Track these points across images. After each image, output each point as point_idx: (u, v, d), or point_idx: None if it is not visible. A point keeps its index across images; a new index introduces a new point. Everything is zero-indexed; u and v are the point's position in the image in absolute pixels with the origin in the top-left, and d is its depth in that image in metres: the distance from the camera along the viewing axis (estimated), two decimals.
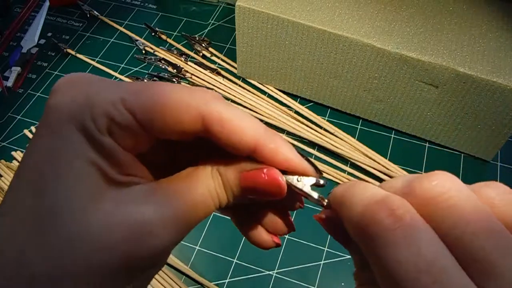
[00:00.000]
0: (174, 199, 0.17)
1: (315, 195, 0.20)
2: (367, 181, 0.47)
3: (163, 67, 0.58)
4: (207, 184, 0.18)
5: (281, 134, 0.51)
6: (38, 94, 0.56)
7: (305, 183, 0.19)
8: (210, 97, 0.17)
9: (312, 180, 0.19)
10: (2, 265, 0.15)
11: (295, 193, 0.19)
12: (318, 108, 0.54)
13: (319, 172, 0.19)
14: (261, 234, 0.22)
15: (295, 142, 0.50)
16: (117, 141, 0.17)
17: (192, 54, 0.59)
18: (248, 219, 0.22)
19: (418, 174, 0.16)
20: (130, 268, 0.16)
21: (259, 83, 0.56)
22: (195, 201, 0.18)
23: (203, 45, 0.60)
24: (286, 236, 0.43)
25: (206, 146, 0.19)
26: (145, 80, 0.56)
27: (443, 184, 0.15)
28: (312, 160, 0.19)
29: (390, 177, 0.47)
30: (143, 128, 0.17)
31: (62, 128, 0.16)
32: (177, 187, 0.18)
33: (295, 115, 0.53)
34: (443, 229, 0.14)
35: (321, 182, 0.19)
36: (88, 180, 0.16)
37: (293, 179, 0.19)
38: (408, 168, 0.48)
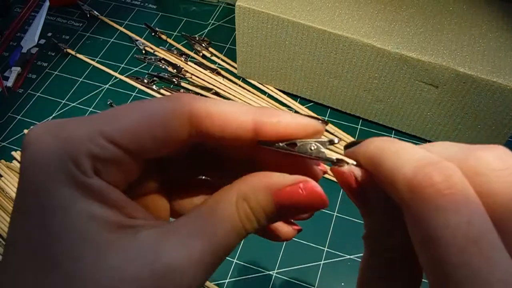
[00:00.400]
0: (192, 242, 0.15)
1: (335, 157, 0.18)
2: None
3: (163, 67, 0.58)
4: (231, 218, 0.16)
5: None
6: (38, 94, 0.56)
7: (320, 148, 0.18)
8: (192, 97, 0.16)
9: (325, 141, 0.18)
10: None
11: (311, 163, 0.18)
12: (318, 108, 0.54)
13: (325, 123, 0.18)
14: (279, 227, 0.20)
15: None
16: (107, 179, 0.15)
17: (192, 54, 0.59)
18: None
19: (473, 145, 0.15)
20: None
21: (259, 83, 0.56)
22: (217, 240, 0.16)
23: (203, 45, 0.60)
24: None
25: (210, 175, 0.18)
26: (145, 80, 0.56)
27: (503, 159, 0.14)
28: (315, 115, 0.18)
29: None
30: (131, 155, 0.16)
31: (46, 185, 0.14)
32: (193, 227, 0.16)
33: None
34: (495, 207, 0.14)
35: (336, 140, 0.18)
36: (87, 234, 0.14)
37: (307, 148, 0.17)
38: None
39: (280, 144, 0.17)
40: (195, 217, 0.16)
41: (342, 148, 0.19)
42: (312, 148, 0.18)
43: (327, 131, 0.51)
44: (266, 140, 0.17)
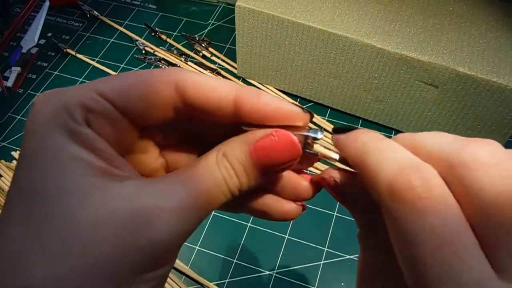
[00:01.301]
0: (173, 189, 0.16)
1: (332, 154, 0.19)
2: None
3: (163, 67, 0.58)
4: (211, 171, 0.17)
5: None
6: (38, 94, 0.56)
7: (303, 142, 0.18)
8: (180, 68, 0.18)
9: (309, 135, 0.18)
10: None
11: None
12: (318, 108, 0.54)
13: (309, 113, 0.18)
14: (282, 206, 0.20)
15: None
16: (98, 131, 0.16)
17: (192, 54, 0.59)
18: (259, 197, 0.20)
19: (468, 138, 0.16)
20: (127, 265, 0.15)
21: (259, 83, 0.56)
22: (198, 190, 0.16)
23: (203, 45, 0.60)
24: (286, 236, 0.43)
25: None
26: None
27: (495, 154, 0.14)
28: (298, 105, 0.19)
29: None
30: (121, 112, 0.17)
31: (42, 130, 0.15)
32: (176, 178, 0.16)
33: None
34: (482, 202, 0.14)
35: (319, 136, 0.18)
36: (73, 176, 0.15)
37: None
38: None
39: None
40: (179, 172, 0.17)
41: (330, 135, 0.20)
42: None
43: (326, 131, 0.51)
44: (248, 124, 0.18)
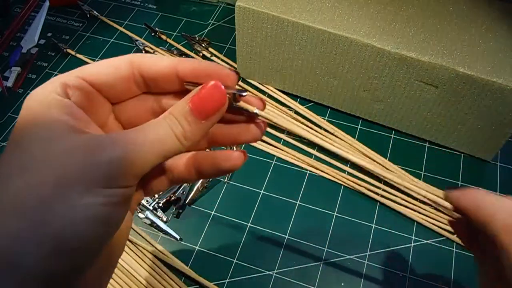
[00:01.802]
0: (130, 133, 0.20)
1: (254, 109, 0.23)
2: (367, 181, 0.47)
3: None
4: (160, 122, 0.21)
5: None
6: None
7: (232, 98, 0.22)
8: (135, 53, 0.23)
9: (235, 92, 0.22)
10: None
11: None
12: (318, 108, 0.54)
13: (237, 74, 0.23)
14: (230, 155, 0.24)
15: (295, 142, 0.50)
16: (77, 104, 0.21)
17: (192, 54, 0.59)
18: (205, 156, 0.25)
19: None
20: (86, 177, 0.18)
21: (259, 83, 0.56)
22: (149, 135, 0.20)
23: (203, 45, 0.60)
24: (286, 236, 0.43)
25: None
26: None
27: None
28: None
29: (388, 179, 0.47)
30: (95, 88, 0.22)
31: (32, 103, 0.20)
32: (135, 128, 0.20)
33: (295, 115, 0.53)
34: None
35: (244, 94, 0.22)
36: (51, 127, 0.19)
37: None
38: (408, 168, 0.48)
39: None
40: (137, 126, 0.21)
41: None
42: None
43: (326, 131, 0.51)
44: (189, 82, 0.22)
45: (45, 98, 0.20)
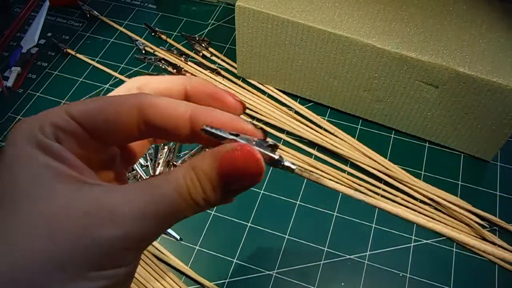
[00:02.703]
0: (133, 195, 0.17)
1: (274, 154, 0.19)
2: (367, 182, 0.47)
3: (163, 67, 0.58)
4: (176, 180, 0.17)
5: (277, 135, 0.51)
6: (38, 94, 0.56)
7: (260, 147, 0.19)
8: (142, 93, 0.19)
9: (264, 144, 0.19)
10: None
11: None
12: (318, 108, 0.54)
13: (264, 134, 0.20)
14: None
15: (295, 142, 0.50)
16: (67, 147, 0.18)
17: (192, 54, 0.59)
18: None
19: None
20: (78, 258, 0.15)
21: (259, 83, 0.56)
22: (158, 197, 0.17)
23: (203, 45, 0.60)
24: (286, 236, 0.43)
25: None
26: None
27: None
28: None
29: (391, 177, 0.47)
30: (89, 134, 0.18)
31: (17, 144, 0.17)
32: (139, 185, 0.17)
33: (295, 115, 0.53)
34: None
35: (274, 145, 0.19)
36: (41, 179, 0.16)
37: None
38: (408, 168, 0.48)
39: (223, 134, 0.19)
40: (146, 180, 0.18)
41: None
42: (253, 143, 0.19)
43: (326, 130, 0.51)
44: (208, 130, 0.19)
45: (31, 140, 0.17)
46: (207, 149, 0.19)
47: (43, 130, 0.17)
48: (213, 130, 0.19)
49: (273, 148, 0.19)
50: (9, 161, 0.17)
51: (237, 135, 0.19)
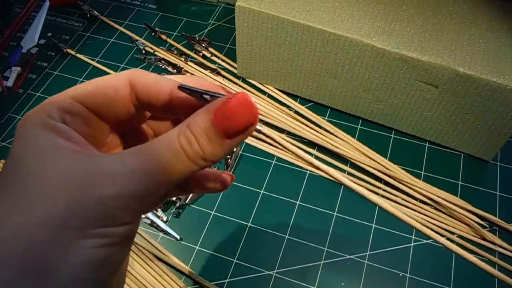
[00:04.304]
0: (127, 157, 0.17)
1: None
2: (367, 182, 0.47)
3: (163, 67, 0.58)
4: (169, 140, 0.18)
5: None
6: (38, 94, 0.56)
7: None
8: (134, 70, 0.21)
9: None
10: None
11: None
12: (318, 108, 0.54)
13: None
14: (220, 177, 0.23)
15: (295, 142, 0.50)
16: (74, 128, 0.19)
17: (192, 54, 0.59)
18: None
19: None
20: (79, 218, 0.16)
21: (259, 83, 0.56)
22: (150, 157, 0.17)
23: (203, 45, 0.60)
24: (286, 236, 0.43)
25: None
26: None
27: None
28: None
29: (391, 177, 0.47)
30: (92, 111, 0.20)
31: (26, 128, 0.18)
32: (135, 148, 0.18)
33: (295, 115, 0.53)
34: None
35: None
36: (44, 150, 0.17)
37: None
38: (408, 168, 0.48)
39: (196, 89, 0.20)
40: (142, 144, 0.18)
41: None
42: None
43: (326, 130, 0.51)
44: (184, 86, 0.20)
45: (39, 124, 0.18)
46: None
47: (49, 114, 0.18)
48: (188, 86, 0.20)
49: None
50: (19, 141, 0.18)
51: (212, 94, 0.19)
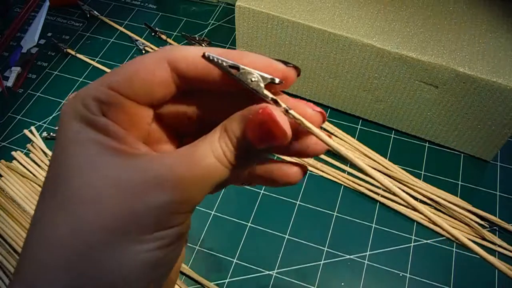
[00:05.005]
0: (175, 160, 0.17)
1: (270, 96, 0.19)
2: (367, 181, 0.47)
3: None
4: (213, 144, 0.18)
5: None
6: (38, 94, 0.56)
7: (260, 82, 0.18)
8: (172, 46, 0.19)
9: (267, 77, 0.18)
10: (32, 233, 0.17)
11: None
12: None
13: (296, 69, 0.19)
14: (286, 170, 0.21)
15: None
16: (114, 120, 0.18)
17: None
18: (263, 165, 0.21)
19: None
20: (133, 224, 0.16)
21: None
22: (197, 161, 0.18)
23: (203, 45, 0.60)
24: (286, 236, 0.43)
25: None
26: None
27: None
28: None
29: (391, 177, 0.47)
30: (130, 99, 0.19)
31: (65, 125, 0.18)
32: (181, 151, 0.18)
33: None
34: None
35: (276, 81, 0.18)
36: (90, 153, 0.17)
37: (247, 78, 0.18)
38: (408, 168, 0.48)
39: (224, 63, 0.18)
40: (186, 146, 0.18)
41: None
42: (253, 79, 0.18)
43: (326, 130, 0.51)
44: (208, 56, 0.19)
45: (77, 118, 0.18)
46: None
47: (87, 106, 0.18)
48: (212, 56, 0.18)
49: (273, 83, 0.18)
50: (60, 139, 0.18)
51: (237, 68, 0.18)
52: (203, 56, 0.18)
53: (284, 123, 0.17)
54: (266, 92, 0.19)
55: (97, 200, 0.16)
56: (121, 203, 0.16)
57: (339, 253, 0.43)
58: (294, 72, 0.19)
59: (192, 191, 0.18)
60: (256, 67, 0.19)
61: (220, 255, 0.43)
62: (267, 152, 0.19)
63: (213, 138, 0.18)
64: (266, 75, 0.18)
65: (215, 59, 0.18)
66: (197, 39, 0.61)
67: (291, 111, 0.19)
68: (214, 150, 0.18)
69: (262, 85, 0.18)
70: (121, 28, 0.63)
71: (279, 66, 0.19)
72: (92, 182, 0.17)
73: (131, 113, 0.19)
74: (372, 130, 0.52)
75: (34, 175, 0.48)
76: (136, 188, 0.17)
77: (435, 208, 0.45)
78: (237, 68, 0.18)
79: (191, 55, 0.19)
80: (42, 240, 0.17)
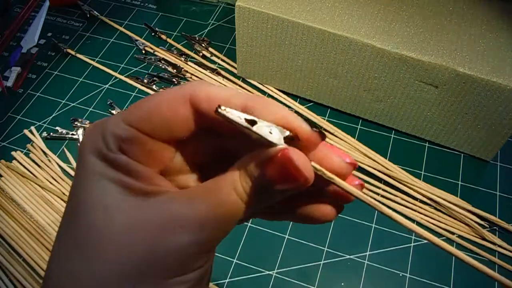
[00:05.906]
0: (197, 201, 0.17)
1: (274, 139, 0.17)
2: (367, 182, 0.47)
3: (163, 67, 0.58)
4: (234, 183, 0.17)
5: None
6: (38, 94, 0.56)
7: (277, 136, 0.17)
8: (196, 83, 0.19)
9: (286, 133, 0.17)
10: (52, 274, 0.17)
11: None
12: (318, 108, 0.54)
13: (321, 134, 0.18)
14: (322, 210, 0.21)
15: None
16: (133, 157, 0.18)
17: (192, 54, 0.59)
18: (298, 203, 0.21)
19: None
20: (152, 268, 0.16)
21: (259, 83, 0.56)
22: (220, 200, 0.17)
23: (203, 45, 0.60)
24: (286, 236, 0.43)
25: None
26: (145, 80, 0.56)
27: None
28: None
29: (390, 177, 0.47)
30: (150, 136, 0.18)
31: (85, 159, 0.18)
32: (202, 189, 0.18)
33: None
34: None
35: (296, 139, 0.17)
36: (109, 194, 0.17)
37: (265, 132, 0.17)
38: (408, 168, 0.48)
39: (238, 117, 0.16)
40: (206, 183, 0.18)
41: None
42: (271, 132, 0.17)
43: (326, 130, 0.51)
44: (221, 112, 0.17)
45: (98, 155, 0.18)
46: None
47: (106, 142, 0.18)
48: (225, 113, 0.16)
49: (292, 140, 0.17)
50: (79, 174, 0.18)
51: (253, 122, 0.16)
52: (216, 111, 0.16)
53: (305, 166, 0.16)
54: (286, 145, 0.17)
55: (114, 237, 0.16)
56: (141, 245, 0.16)
57: (339, 253, 0.43)
58: (318, 137, 0.18)
59: (213, 232, 0.17)
60: (279, 123, 0.17)
61: (220, 255, 0.43)
62: (292, 192, 0.18)
63: (234, 177, 0.18)
64: (286, 132, 0.17)
65: (230, 116, 0.16)
66: (197, 39, 0.61)
67: (312, 163, 0.18)
68: (237, 189, 0.17)
69: (282, 141, 0.17)
70: (121, 28, 0.63)
71: (303, 128, 0.17)
72: (109, 223, 0.17)
73: (151, 149, 0.19)
74: (372, 130, 0.52)
75: (34, 175, 0.48)
76: (156, 229, 0.16)
77: (435, 208, 0.45)
78: (255, 122, 0.17)
79: (214, 96, 0.18)
80: (61, 274, 0.17)
